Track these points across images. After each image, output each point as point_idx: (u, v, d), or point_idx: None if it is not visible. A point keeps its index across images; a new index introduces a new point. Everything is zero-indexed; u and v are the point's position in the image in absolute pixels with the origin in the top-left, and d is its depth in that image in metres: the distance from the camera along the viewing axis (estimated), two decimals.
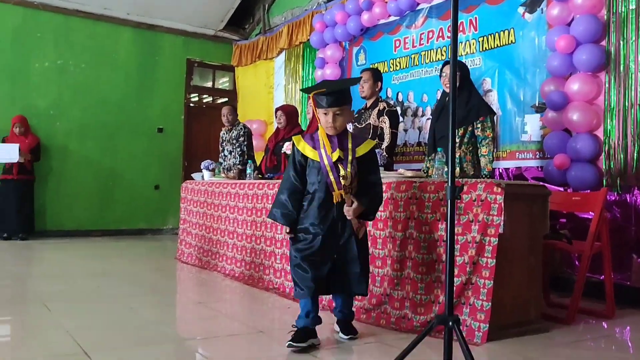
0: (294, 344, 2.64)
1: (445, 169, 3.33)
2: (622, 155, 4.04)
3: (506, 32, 4.93)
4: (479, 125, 3.94)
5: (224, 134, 6.21)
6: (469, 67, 4.37)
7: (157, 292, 4.33)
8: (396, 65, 6.08)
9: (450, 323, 1.61)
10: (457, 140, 3.92)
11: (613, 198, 4.12)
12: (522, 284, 3.06)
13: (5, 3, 7.56)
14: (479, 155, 3.96)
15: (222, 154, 6.17)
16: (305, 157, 2.87)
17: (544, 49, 4.58)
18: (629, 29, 4.02)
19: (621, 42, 4.06)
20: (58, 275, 4.83)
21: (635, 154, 3.99)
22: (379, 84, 4.72)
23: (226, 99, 9.48)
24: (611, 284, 3.57)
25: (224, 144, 6.17)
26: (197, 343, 2.88)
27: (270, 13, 8.67)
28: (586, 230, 3.59)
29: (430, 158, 4.22)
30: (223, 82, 9.69)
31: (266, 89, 8.46)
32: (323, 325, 2.87)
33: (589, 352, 2.85)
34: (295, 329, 2.76)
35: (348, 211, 2.75)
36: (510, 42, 4.90)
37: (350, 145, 2.81)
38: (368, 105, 4.72)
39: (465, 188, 2.93)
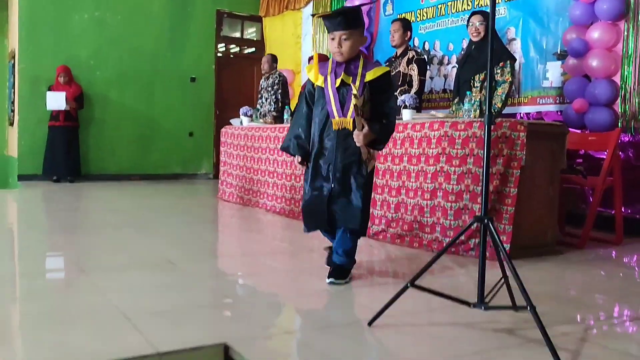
0: (336, 281, 2.67)
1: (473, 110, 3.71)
2: (637, 99, 4.36)
3: None
4: (498, 71, 4.21)
5: (262, 81, 6.58)
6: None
7: (213, 222, 5.05)
8: (423, 15, 6.32)
9: (486, 221, 2.01)
10: (478, 84, 4.25)
11: (627, 139, 4.45)
12: (541, 212, 3.47)
13: None
14: (495, 95, 4.20)
15: (260, 100, 6.55)
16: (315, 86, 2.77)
17: None
18: None
19: None
20: (117, 210, 5.36)
21: None
22: (409, 33, 5.01)
23: (253, 49, 9.76)
24: (621, 215, 3.96)
25: (262, 91, 6.55)
26: (252, 257, 3.39)
27: None
28: (600, 168, 3.96)
29: (454, 102, 4.56)
30: (251, 32, 9.95)
31: (294, 38, 8.67)
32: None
33: (599, 270, 3.27)
34: (328, 251, 2.95)
35: (358, 135, 2.56)
36: None
37: (360, 70, 2.65)
38: (398, 54, 5.03)
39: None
